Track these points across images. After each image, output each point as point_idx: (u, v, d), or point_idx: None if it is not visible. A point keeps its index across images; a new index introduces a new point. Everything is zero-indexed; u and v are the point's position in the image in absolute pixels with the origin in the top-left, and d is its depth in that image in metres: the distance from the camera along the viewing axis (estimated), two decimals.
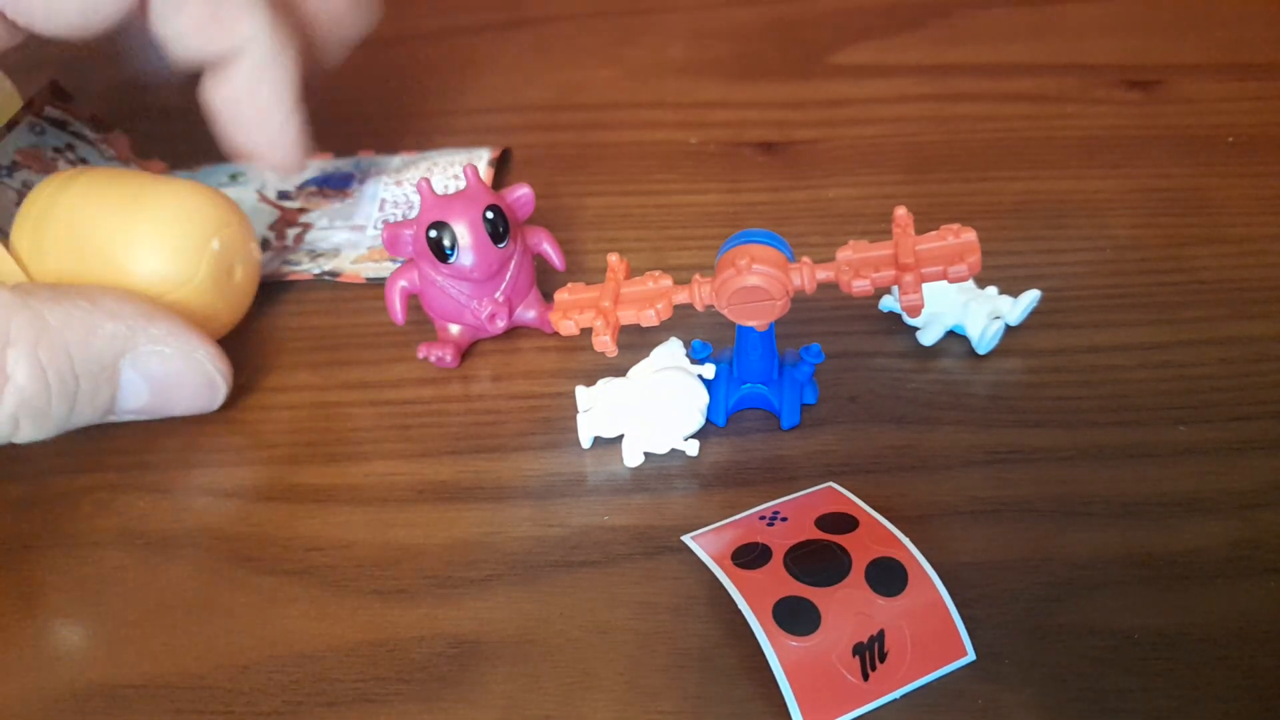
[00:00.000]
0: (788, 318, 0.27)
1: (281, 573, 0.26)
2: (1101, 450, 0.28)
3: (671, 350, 0.29)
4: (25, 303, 0.25)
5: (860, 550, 0.24)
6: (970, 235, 0.25)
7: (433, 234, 0.29)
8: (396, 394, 0.31)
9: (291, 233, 0.36)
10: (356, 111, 0.44)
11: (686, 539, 0.25)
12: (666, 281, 0.27)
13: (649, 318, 0.26)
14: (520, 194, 0.31)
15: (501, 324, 0.31)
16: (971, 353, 0.31)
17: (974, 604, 0.24)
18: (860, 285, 0.25)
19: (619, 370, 0.29)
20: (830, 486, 0.26)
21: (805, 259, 0.26)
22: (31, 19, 0.28)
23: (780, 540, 0.24)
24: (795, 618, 0.22)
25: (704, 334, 0.30)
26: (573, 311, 0.27)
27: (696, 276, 0.26)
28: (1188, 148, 0.38)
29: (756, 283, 0.25)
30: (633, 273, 0.28)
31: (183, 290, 0.29)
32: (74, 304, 0.26)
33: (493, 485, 0.28)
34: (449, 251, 0.29)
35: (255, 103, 0.32)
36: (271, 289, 0.35)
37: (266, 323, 0.34)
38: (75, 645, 0.25)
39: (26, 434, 0.26)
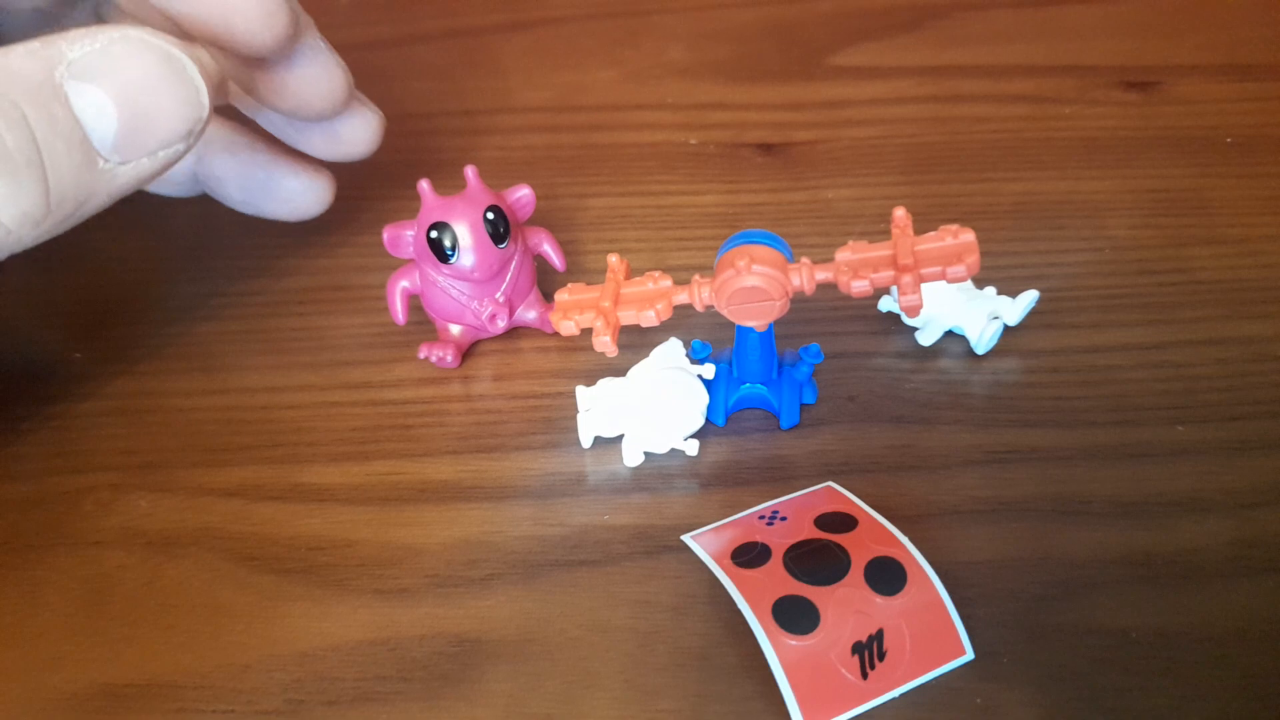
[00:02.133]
0: (787, 318, 0.27)
1: (283, 572, 0.26)
2: (1100, 450, 0.28)
3: (671, 350, 0.29)
4: None
5: (859, 549, 0.24)
6: (969, 236, 0.25)
7: (433, 235, 0.29)
8: (397, 394, 0.31)
9: None
10: None
11: (686, 538, 0.25)
12: (666, 282, 0.27)
13: (649, 318, 0.27)
14: (521, 194, 0.31)
15: (502, 324, 0.31)
16: (970, 353, 0.31)
17: (973, 603, 0.24)
18: (859, 286, 0.25)
19: (619, 370, 0.29)
20: (829, 486, 0.26)
21: (804, 259, 0.26)
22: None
23: (780, 540, 0.24)
24: (794, 617, 0.22)
25: (704, 334, 0.30)
26: (573, 312, 0.27)
27: (696, 277, 0.27)
28: (1186, 148, 0.38)
29: (756, 283, 0.25)
30: (633, 273, 0.28)
31: None
32: None
33: (493, 485, 0.28)
34: (450, 252, 0.29)
35: None
36: (272, 289, 0.35)
37: (267, 323, 0.34)
38: (76, 645, 0.25)
39: (8, 198, 0.21)
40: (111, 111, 0.22)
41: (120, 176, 0.23)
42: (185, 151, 0.25)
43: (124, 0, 0.29)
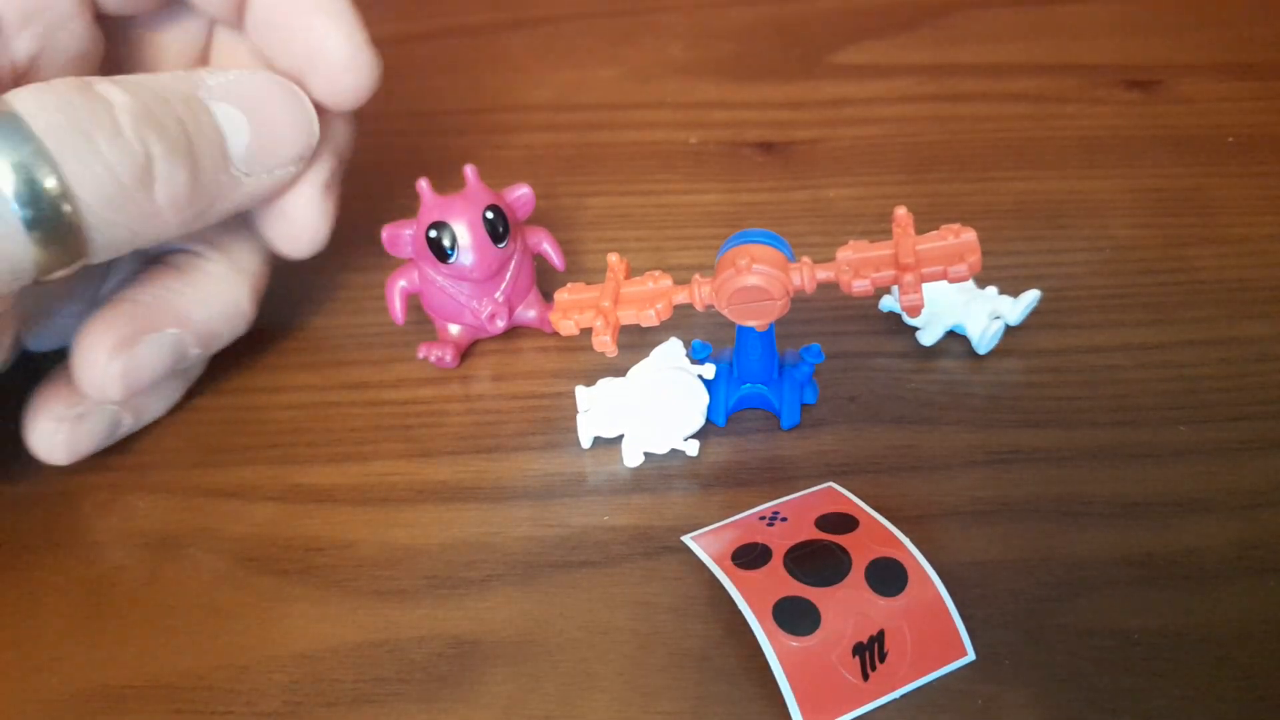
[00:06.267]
0: (788, 318, 0.27)
1: (281, 573, 0.26)
2: (1101, 450, 0.28)
3: (671, 350, 0.29)
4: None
5: (860, 550, 0.24)
6: (970, 235, 0.25)
7: (432, 234, 0.29)
8: (396, 394, 0.31)
9: None
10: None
11: (686, 539, 0.25)
12: (666, 281, 0.27)
13: (649, 318, 0.26)
14: (520, 193, 0.31)
15: (501, 324, 0.31)
16: (971, 353, 0.31)
17: (974, 604, 0.24)
18: (860, 285, 0.25)
19: (619, 370, 0.29)
20: (830, 486, 0.26)
21: (805, 259, 0.26)
22: None
23: (780, 540, 0.24)
24: (795, 618, 0.22)
25: (704, 334, 0.30)
26: (573, 311, 0.27)
27: (696, 276, 0.26)
28: (1188, 148, 0.38)
29: (756, 282, 0.25)
30: (633, 273, 0.28)
31: None
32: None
33: (492, 485, 0.28)
34: (449, 251, 0.29)
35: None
36: (270, 289, 0.35)
37: (267, 323, 0.34)
38: (75, 645, 0.25)
39: (161, 166, 0.24)
40: (245, 127, 0.26)
41: (244, 186, 0.27)
42: (294, 175, 0.29)
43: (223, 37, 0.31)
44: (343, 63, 0.28)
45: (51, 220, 0.23)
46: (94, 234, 0.24)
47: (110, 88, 0.24)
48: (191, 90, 0.26)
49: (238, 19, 0.29)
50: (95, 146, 0.23)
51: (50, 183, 0.23)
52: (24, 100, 0.23)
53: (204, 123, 0.26)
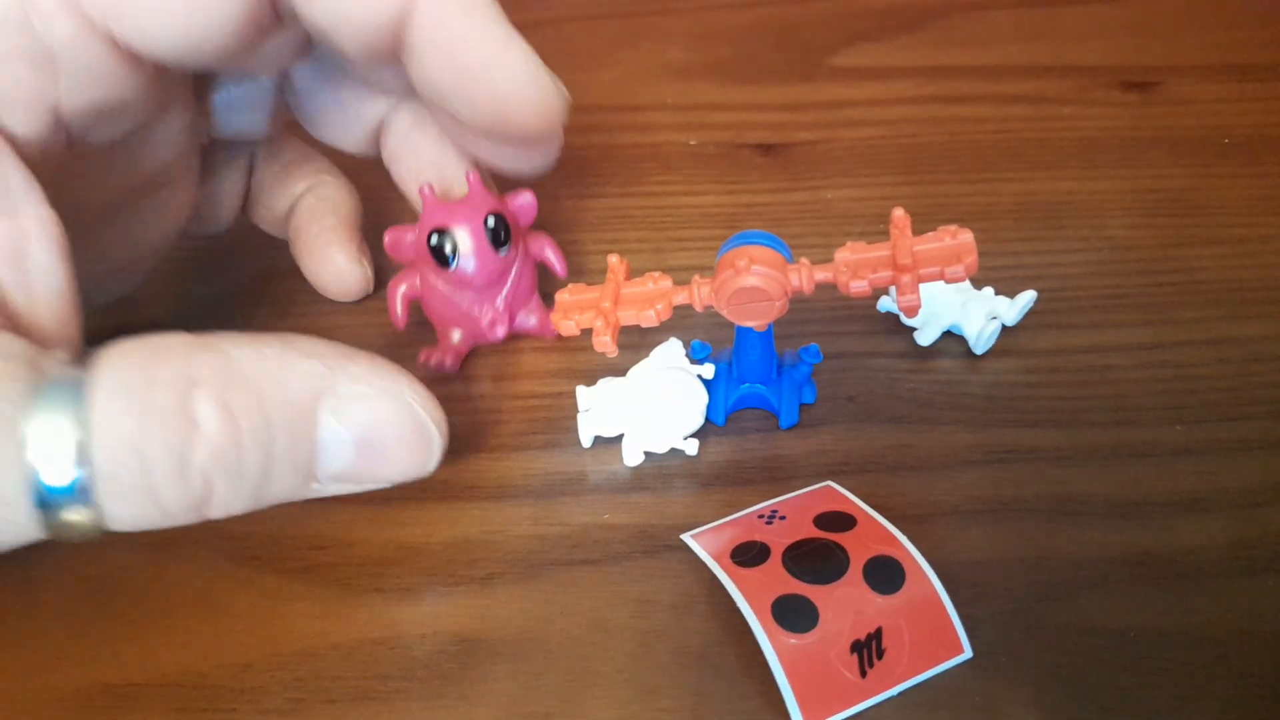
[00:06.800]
0: (786, 318, 0.27)
1: (284, 571, 0.26)
2: (1099, 450, 0.28)
3: (671, 350, 0.29)
4: (208, 343, 0.22)
5: (858, 549, 0.24)
6: (967, 236, 0.25)
7: (434, 240, 0.29)
8: None
9: None
10: None
11: (686, 538, 0.25)
12: (666, 282, 0.27)
13: (649, 318, 0.27)
14: (523, 200, 0.31)
15: (502, 331, 0.31)
16: (969, 353, 0.31)
17: (971, 602, 0.24)
18: (858, 286, 0.25)
19: (619, 370, 0.29)
20: (829, 485, 0.27)
21: (804, 260, 0.26)
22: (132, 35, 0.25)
23: (779, 539, 0.24)
24: (794, 615, 0.22)
25: (704, 334, 0.30)
26: (573, 312, 0.27)
27: (696, 277, 0.27)
28: (1185, 149, 0.38)
29: (755, 283, 0.25)
30: (633, 274, 0.28)
31: None
32: (264, 343, 0.23)
33: (494, 484, 0.28)
34: (450, 258, 0.29)
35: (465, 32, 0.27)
36: (271, 289, 0.35)
37: (268, 323, 0.34)
38: (77, 645, 0.25)
39: (221, 499, 0.22)
40: (349, 455, 0.23)
41: (317, 492, 0.24)
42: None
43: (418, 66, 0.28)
44: (523, 92, 0.27)
45: (68, 531, 0.21)
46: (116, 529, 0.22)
47: (209, 406, 0.21)
48: (309, 401, 0.22)
49: (393, 56, 0.28)
50: (152, 484, 0.21)
51: (77, 516, 0.21)
52: (100, 410, 0.20)
53: (299, 442, 0.22)
